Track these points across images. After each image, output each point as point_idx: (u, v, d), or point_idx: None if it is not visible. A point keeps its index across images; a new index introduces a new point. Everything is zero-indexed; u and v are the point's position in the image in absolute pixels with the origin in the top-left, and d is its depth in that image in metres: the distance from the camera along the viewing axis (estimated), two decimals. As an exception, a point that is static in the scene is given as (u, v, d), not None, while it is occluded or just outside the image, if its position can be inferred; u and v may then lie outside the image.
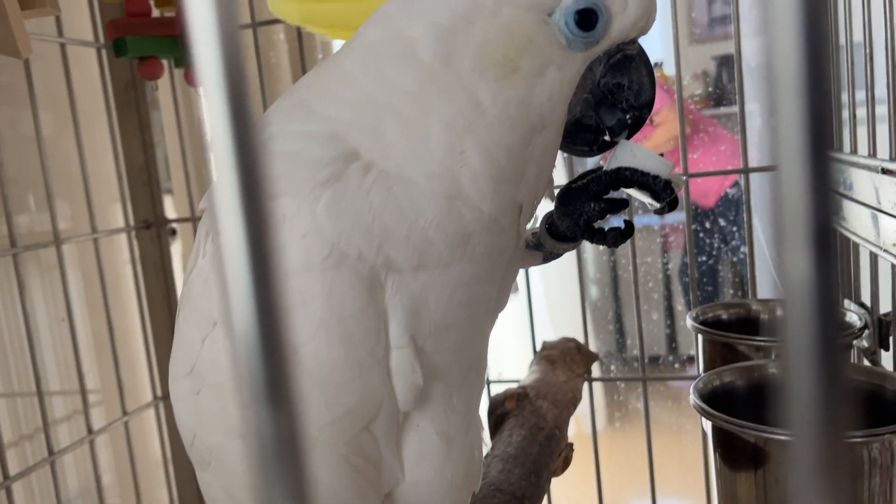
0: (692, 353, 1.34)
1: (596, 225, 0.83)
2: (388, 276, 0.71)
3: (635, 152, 0.80)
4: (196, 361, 0.73)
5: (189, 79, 1.52)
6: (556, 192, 0.86)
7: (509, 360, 2.09)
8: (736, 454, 0.95)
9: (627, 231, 0.83)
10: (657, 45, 0.81)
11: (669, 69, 3.11)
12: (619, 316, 3.99)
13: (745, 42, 1.55)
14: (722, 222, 3.61)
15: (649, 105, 0.80)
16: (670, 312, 3.84)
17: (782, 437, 0.87)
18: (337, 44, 0.87)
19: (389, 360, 0.71)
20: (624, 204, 0.83)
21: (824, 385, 0.27)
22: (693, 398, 0.99)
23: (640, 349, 1.69)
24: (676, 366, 3.77)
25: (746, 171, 1.55)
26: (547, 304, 3.22)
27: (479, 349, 0.82)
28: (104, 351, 1.74)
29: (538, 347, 1.65)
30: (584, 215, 0.82)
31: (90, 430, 1.56)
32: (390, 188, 0.70)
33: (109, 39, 1.52)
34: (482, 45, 0.72)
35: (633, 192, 0.82)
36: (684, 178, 0.83)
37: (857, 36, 1.24)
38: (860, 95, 1.24)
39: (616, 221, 0.87)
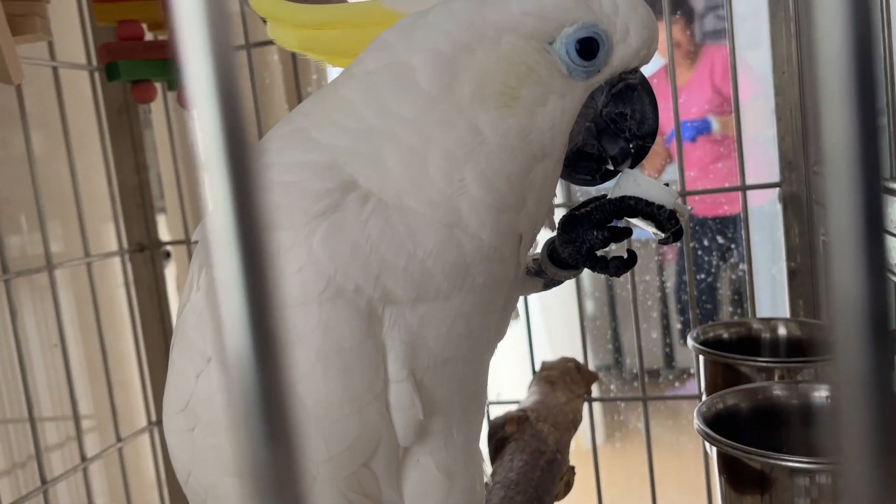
0: (690, 367, 1.33)
1: (598, 253, 0.82)
2: (385, 310, 0.69)
3: (639, 181, 0.79)
4: (190, 398, 0.72)
5: (182, 101, 1.51)
6: (558, 219, 0.85)
7: (508, 380, 2.07)
8: (742, 479, 0.93)
9: (630, 260, 0.81)
10: (651, 59, 0.80)
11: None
12: (616, 334, 3.98)
13: (739, 57, 1.55)
14: (720, 239, 3.61)
15: (653, 134, 0.79)
16: (668, 330, 3.83)
17: (789, 464, 0.86)
18: (333, 69, 0.86)
19: (388, 395, 0.70)
20: (627, 233, 0.81)
21: (878, 411, 0.27)
22: (697, 423, 0.97)
23: (639, 368, 1.68)
24: (675, 383, 3.76)
25: (744, 188, 1.54)
26: (545, 322, 3.21)
27: (479, 381, 0.81)
28: (98, 376, 1.72)
29: (537, 367, 1.64)
30: (586, 243, 0.80)
31: (83, 458, 1.54)
32: (388, 218, 0.69)
33: (102, 64, 1.51)
34: (482, 74, 0.71)
35: (637, 222, 0.81)
36: (690, 208, 0.81)
37: None
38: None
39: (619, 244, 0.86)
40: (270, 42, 1.70)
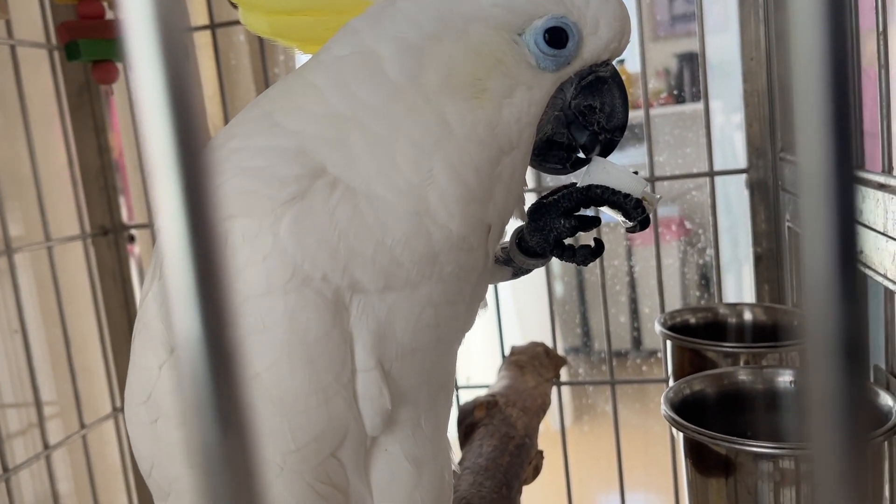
0: (658, 350, 1.34)
1: (566, 242, 0.82)
2: (353, 298, 0.68)
3: (608, 169, 0.79)
4: (153, 389, 0.70)
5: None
6: (527, 209, 0.84)
7: (478, 364, 2.08)
8: (708, 464, 0.94)
9: (597, 250, 0.81)
10: (623, 52, 0.80)
11: (633, 67, 3.13)
12: (585, 318, 4.00)
13: (709, 40, 1.54)
14: (688, 224, 3.64)
15: (621, 128, 0.78)
16: (636, 314, 3.87)
17: (754, 449, 0.87)
18: (301, 52, 0.85)
19: (356, 385, 0.69)
20: (595, 222, 0.81)
21: (847, 392, 0.27)
22: (664, 408, 0.98)
23: (608, 352, 1.69)
24: (643, 366, 3.80)
25: (712, 174, 1.55)
26: (515, 305, 3.22)
27: (447, 370, 0.81)
28: (60, 362, 1.69)
29: (507, 352, 1.64)
30: (553, 232, 0.80)
31: (46, 445, 1.51)
32: (357, 206, 0.68)
33: (61, 42, 1.46)
34: (450, 65, 0.70)
35: (606, 210, 0.81)
36: (659, 196, 0.81)
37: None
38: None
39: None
40: (236, 22, 1.67)
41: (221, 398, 0.25)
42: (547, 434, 1.44)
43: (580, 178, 0.81)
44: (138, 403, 0.72)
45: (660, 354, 1.42)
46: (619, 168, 0.79)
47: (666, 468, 1.60)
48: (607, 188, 0.77)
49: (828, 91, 0.26)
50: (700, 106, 1.57)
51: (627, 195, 0.77)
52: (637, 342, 3.90)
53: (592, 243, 0.81)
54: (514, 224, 0.85)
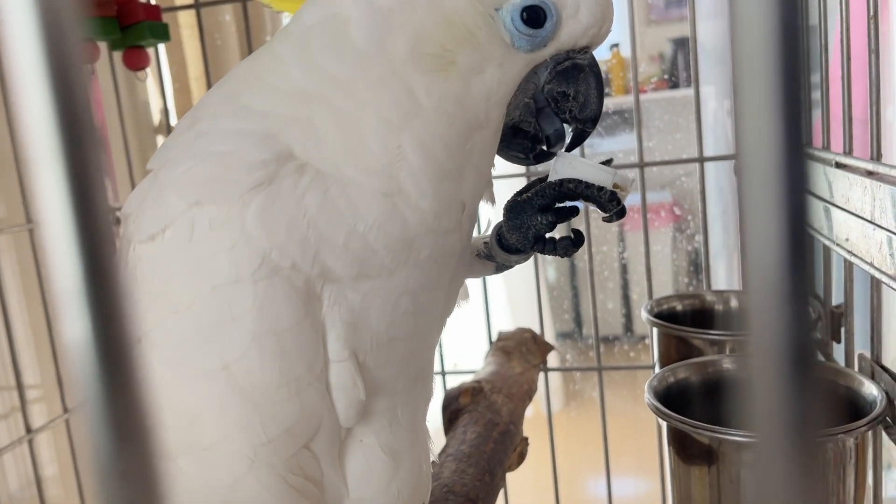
0: (647, 334, 1.33)
1: (546, 235, 0.80)
2: (325, 287, 0.66)
3: (574, 164, 0.77)
4: None
5: (128, 62, 1.44)
6: (501, 203, 0.83)
7: (465, 349, 2.07)
8: (691, 453, 0.94)
9: (577, 241, 0.80)
10: (614, 26, 0.78)
11: (627, 51, 3.10)
12: (576, 304, 4.00)
13: (701, 25, 1.53)
14: (677, 210, 3.63)
15: (594, 120, 0.76)
16: (626, 301, 3.86)
17: (736, 438, 0.87)
18: (287, 19, 0.83)
19: (329, 375, 0.67)
20: (573, 212, 0.80)
21: (796, 382, 0.26)
22: (648, 397, 0.97)
23: (595, 338, 1.69)
24: (631, 352, 3.80)
25: (701, 160, 1.54)
26: (506, 289, 3.21)
27: (425, 359, 0.79)
28: (43, 345, 1.67)
29: (494, 337, 1.63)
30: (532, 229, 0.79)
31: (29, 429, 1.50)
32: (327, 191, 0.66)
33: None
34: (419, 33, 0.68)
35: (580, 202, 0.79)
36: (632, 177, 0.80)
37: (813, 18, 1.22)
38: (814, 83, 1.23)
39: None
40: (221, 1, 1.64)
41: (114, 402, 0.24)
42: (535, 418, 1.43)
43: (549, 173, 0.79)
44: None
45: (648, 341, 1.41)
46: (585, 162, 0.77)
47: (653, 454, 1.60)
48: (580, 182, 0.76)
49: (775, 52, 0.25)
50: (692, 91, 1.56)
51: (601, 188, 0.75)
52: (627, 327, 3.90)
53: (571, 234, 0.80)
54: (494, 217, 0.84)
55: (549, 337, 1.70)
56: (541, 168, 1.88)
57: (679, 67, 4.27)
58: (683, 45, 4.17)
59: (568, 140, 0.79)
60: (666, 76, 4.09)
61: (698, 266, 3.61)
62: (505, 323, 3.10)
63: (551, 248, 0.80)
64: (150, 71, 1.56)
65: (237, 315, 0.63)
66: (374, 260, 0.68)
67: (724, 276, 2.97)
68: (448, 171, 0.70)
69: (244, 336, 0.64)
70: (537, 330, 1.67)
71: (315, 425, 0.68)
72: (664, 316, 1.33)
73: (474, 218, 0.77)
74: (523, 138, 0.78)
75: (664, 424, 0.97)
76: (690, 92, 1.60)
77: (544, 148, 0.79)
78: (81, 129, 0.23)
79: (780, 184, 0.25)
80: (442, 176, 0.70)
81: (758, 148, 0.25)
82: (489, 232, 0.86)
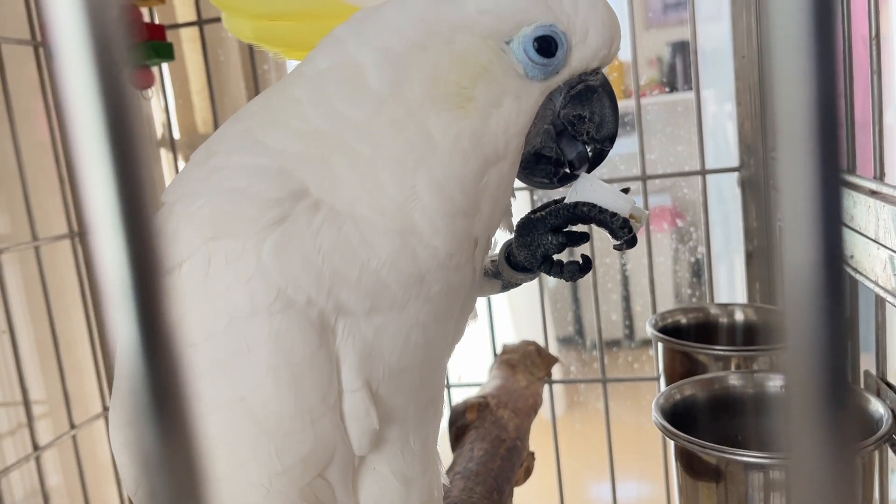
0: (650, 338, 1.33)
1: (555, 257, 0.81)
2: (338, 321, 0.67)
3: (595, 187, 0.77)
4: None
5: (133, 81, 1.45)
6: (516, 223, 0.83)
7: (469, 361, 2.08)
8: (698, 471, 0.94)
9: (585, 266, 0.80)
10: (613, 59, 0.79)
11: (625, 56, 3.10)
12: (578, 315, 4.00)
13: (700, 27, 1.52)
14: (679, 223, 3.64)
15: (611, 138, 0.77)
16: (629, 313, 3.86)
17: (744, 459, 0.87)
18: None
19: (342, 405, 0.68)
20: (584, 238, 0.80)
21: (832, 402, 0.26)
22: (655, 416, 0.98)
23: (599, 350, 1.69)
24: (635, 363, 3.79)
25: (703, 172, 1.54)
26: (508, 299, 3.22)
27: (436, 386, 0.80)
28: (49, 361, 1.68)
29: (498, 349, 1.64)
30: (541, 248, 0.79)
31: (36, 446, 1.50)
32: (341, 227, 0.67)
33: (47, 39, 1.44)
34: (434, 74, 0.69)
35: (593, 226, 0.80)
36: (648, 212, 0.80)
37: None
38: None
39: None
40: (224, 18, 1.65)
41: (161, 404, 0.25)
42: (538, 424, 1.44)
43: (568, 194, 0.80)
44: (124, 424, 0.71)
45: (651, 352, 1.42)
46: (605, 186, 0.78)
47: (656, 460, 1.61)
48: (594, 206, 0.76)
49: (814, 82, 0.25)
50: (692, 95, 1.55)
51: (614, 214, 0.76)
52: (629, 333, 3.90)
53: (580, 259, 0.80)
54: (503, 236, 0.84)
55: (551, 343, 1.70)
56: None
57: (677, 71, 4.28)
58: (681, 49, 4.17)
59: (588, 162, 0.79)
60: (665, 80, 4.09)
61: (698, 273, 3.61)
62: (507, 330, 3.10)
63: (558, 270, 0.80)
64: (153, 88, 1.57)
65: (253, 347, 0.64)
66: (387, 295, 0.68)
67: (725, 281, 2.97)
68: (462, 209, 0.71)
69: (260, 368, 0.64)
70: (540, 338, 1.67)
71: (329, 454, 0.68)
72: (669, 329, 1.34)
73: (487, 250, 0.78)
74: (546, 163, 0.78)
75: (672, 444, 0.98)
76: (689, 96, 1.61)
77: (567, 171, 0.80)
78: (132, 143, 0.24)
79: (817, 216, 0.26)
80: (455, 213, 0.70)
81: (795, 182, 0.26)
82: (497, 250, 0.86)
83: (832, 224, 0.26)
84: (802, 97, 0.25)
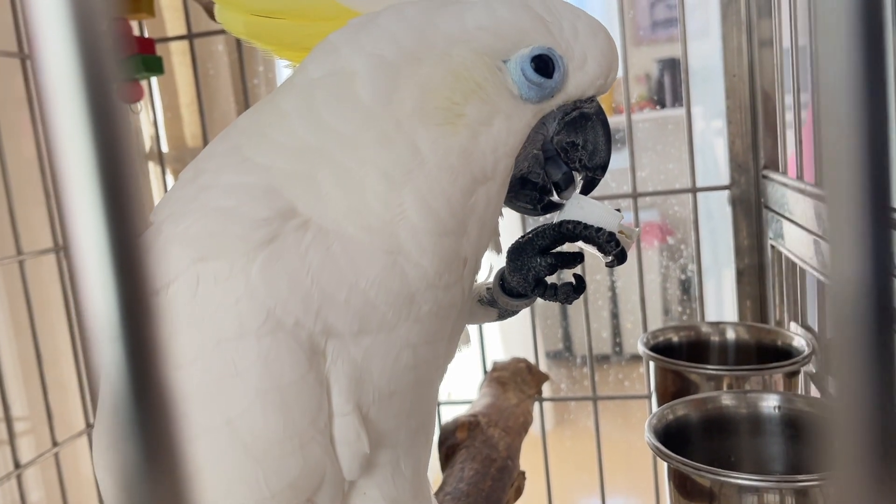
0: (636, 353, 1.33)
1: (549, 280, 0.80)
2: (328, 343, 0.66)
3: (583, 205, 0.77)
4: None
5: (122, 95, 1.43)
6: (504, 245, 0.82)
7: (459, 378, 2.07)
8: (692, 493, 0.93)
9: (579, 287, 0.79)
10: (609, 89, 0.78)
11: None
12: (567, 332, 3.99)
13: (690, 44, 1.53)
14: (670, 240, 3.64)
15: (604, 167, 0.76)
16: (618, 329, 3.86)
17: (738, 481, 0.86)
18: (280, 62, 0.82)
19: (332, 429, 0.67)
20: (578, 258, 0.79)
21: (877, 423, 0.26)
22: (648, 437, 0.97)
23: (590, 368, 1.68)
24: (625, 380, 3.79)
25: (694, 190, 1.54)
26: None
27: (427, 410, 0.79)
28: (32, 377, 1.65)
29: (489, 366, 1.63)
30: (532, 271, 0.78)
31: (17, 465, 1.47)
32: (329, 248, 0.66)
33: (33, 51, 1.43)
34: (426, 87, 0.67)
35: (583, 245, 0.79)
36: (638, 229, 0.79)
37: (802, 39, 1.23)
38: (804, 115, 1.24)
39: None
40: (214, 32, 1.64)
41: (146, 425, 0.24)
42: (528, 440, 1.43)
43: (557, 213, 0.79)
44: (107, 448, 0.69)
45: (642, 369, 1.41)
46: (593, 203, 0.77)
47: (646, 476, 1.60)
48: (578, 223, 0.75)
49: (862, 117, 0.25)
50: (681, 112, 1.56)
51: (600, 229, 0.75)
52: (616, 348, 3.90)
53: (573, 280, 0.79)
54: (492, 259, 0.83)
55: (540, 358, 1.69)
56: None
57: (666, 88, 4.30)
58: (670, 66, 4.20)
59: (578, 189, 0.79)
60: (654, 97, 4.11)
61: (688, 289, 3.61)
62: (496, 344, 3.08)
63: (552, 292, 0.79)
64: (142, 102, 1.56)
65: (241, 370, 0.63)
66: (375, 315, 0.67)
67: (713, 296, 2.97)
68: (449, 228, 0.69)
69: (248, 391, 0.63)
70: (530, 353, 1.66)
71: (318, 479, 0.67)
72: (660, 348, 1.33)
73: (477, 270, 0.77)
74: (531, 189, 0.77)
75: (665, 465, 0.97)
76: (678, 112, 1.61)
77: (554, 199, 0.79)
78: (120, 159, 0.23)
79: (865, 257, 0.26)
80: (442, 232, 0.69)
81: (843, 226, 0.26)
82: (492, 278, 0.85)
83: (881, 269, 0.26)
84: (852, 140, 0.25)
